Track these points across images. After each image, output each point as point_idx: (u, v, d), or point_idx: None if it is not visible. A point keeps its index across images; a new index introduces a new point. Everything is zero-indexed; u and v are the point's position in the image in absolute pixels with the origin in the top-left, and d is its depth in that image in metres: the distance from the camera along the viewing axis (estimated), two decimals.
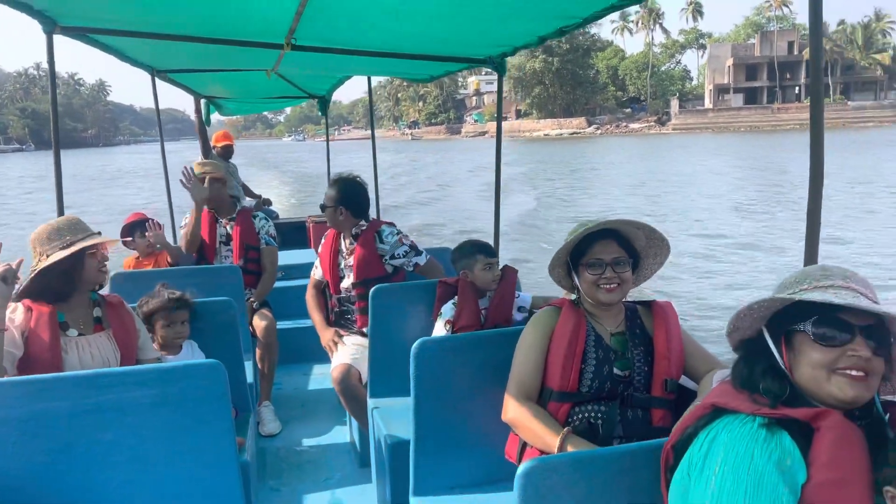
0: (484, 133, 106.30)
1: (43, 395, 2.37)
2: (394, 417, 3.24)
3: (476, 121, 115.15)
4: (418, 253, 4.23)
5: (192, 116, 8.79)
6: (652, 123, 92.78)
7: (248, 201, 8.67)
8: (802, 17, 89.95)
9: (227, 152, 8.34)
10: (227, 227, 4.98)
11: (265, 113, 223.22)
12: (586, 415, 2.43)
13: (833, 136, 58.26)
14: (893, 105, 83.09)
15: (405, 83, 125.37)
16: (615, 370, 2.46)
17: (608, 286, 2.45)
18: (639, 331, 2.54)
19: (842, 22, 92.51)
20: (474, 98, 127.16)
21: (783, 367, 1.59)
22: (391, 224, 4.37)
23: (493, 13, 3.36)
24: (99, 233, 2.85)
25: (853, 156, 37.62)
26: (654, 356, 2.48)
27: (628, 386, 2.45)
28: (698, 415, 1.62)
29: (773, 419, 1.49)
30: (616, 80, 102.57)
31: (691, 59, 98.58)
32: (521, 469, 1.83)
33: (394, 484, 3.07)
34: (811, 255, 2.25)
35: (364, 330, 4.07)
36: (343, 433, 4.46)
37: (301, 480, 3.91)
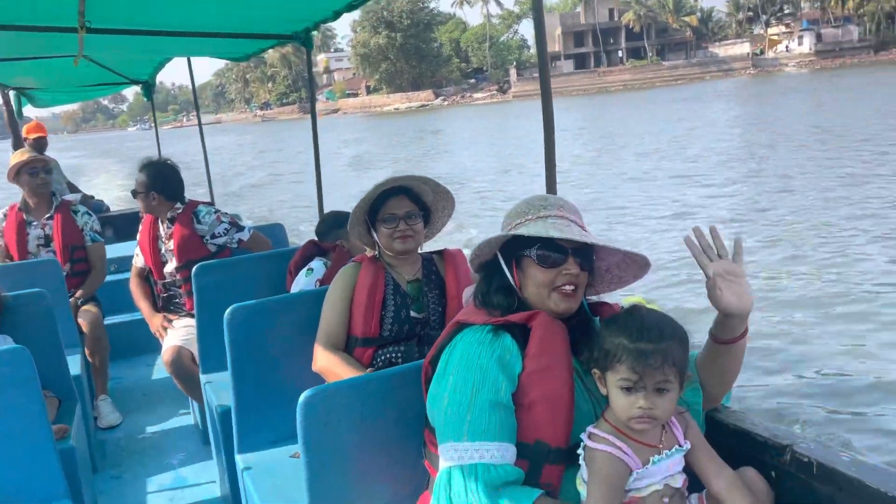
0: (336, 110, 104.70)
1: None
2: (223, 388, 3.22)
3: (328, 98, 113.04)
4: (240, 229, 4.17)
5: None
6: (494, 92, 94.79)
7: (72, 196, 8.10)
8: None
9: (39, 145, 7.37)
10: (45, 229, 4.59)
11: (105, 102, 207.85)
12: (388, 356, 2.59)
13: (654, 94, 61.94)
14: (701, 63, 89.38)
15: (254, 64, 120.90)
16: (412, 313, 2.63)
17: (402, 237, 2.60)
18: (434, 277, 2.71)
19: None
20: (325, 76, 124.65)
21: (514, 285, 1.78)
22: (208, 203, 4.29)
23: None
24: None
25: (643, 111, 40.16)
26: (446, 298, 2.67)
27: (425, 326, 2.63)
28: (447, 332, 1.80)
29: (499, 325, 1.72)
30: (459, 53, 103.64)
31: (529, 29, 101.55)
32: (302, 397, 1.92)
33: (226, 450, 3.09)
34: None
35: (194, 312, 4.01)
36: (186, 416, 4.40)
37: (143, 466, 3.85)
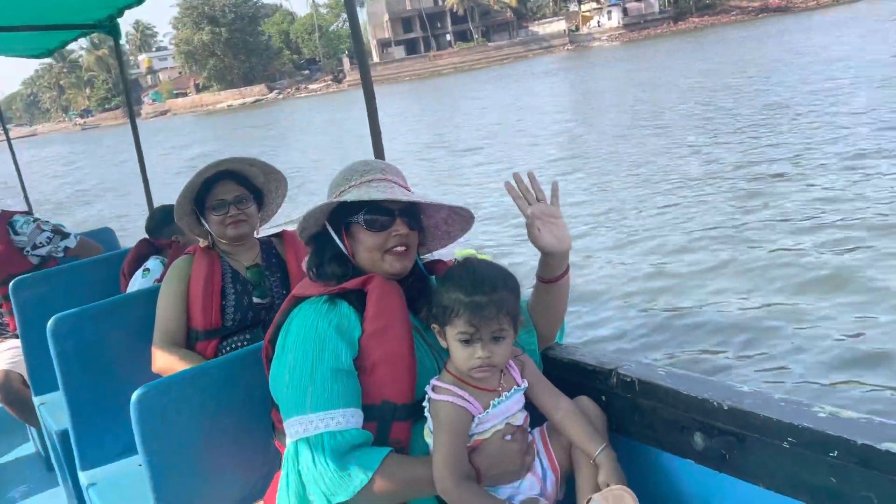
0: (165, 112, 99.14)
1: None
2: (58, 408, 2.97)
3: (154, 100, 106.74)
4: (65, 236, 3.87)
5: None
6: (329, 82, 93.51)
7: None
8: None
9: None
10: None
11: None
12: (234, 345, 2.49)
13: (482, 74, 63.72)
14: (524, 41, 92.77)
15: (67, 69, 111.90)
16: (255, 299, 2.53)
17: (234, 222, 2.50)
18: (275, 260, 2.63)
19: None
20: (149, 77, 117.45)
21: (346, 253, 1.75)
22: (25, 213, 3.94)
23: None
24: None
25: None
26: (290, 280, 2.59)
27: (269, 311, 2.54)
28: (283, 308, 1.75)
29: (334, 294, 1.70)
30: (290, 45, 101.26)
31: (360, 16, 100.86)
32: (134, 396, 1.83)
33: (70, 471, 2.88)
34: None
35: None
36: (26, 444, 4.05)
37: None
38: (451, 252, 1.92)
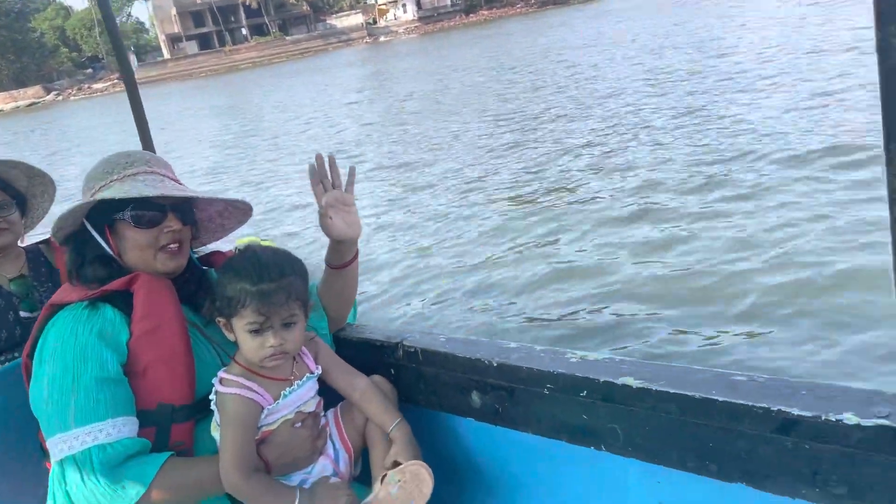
0: None
1: None
2: None
3: None
4: None
5: None
6: (116, 81, 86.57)
7: None
8: None
9: None
10: None
11: None
12: (7, 363, 2.25)
13: (281, 69, 62.31)
14: (323, 35, 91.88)
15: None
16: (22, 313, 2.32)
17: None
18: (44, 268, 2.42)
19: None
20: None
21: (112, 253, 1.64)
22: None
23: None
24: None
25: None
26: None
27: None
28: (40, 319, 1.61)
29: (97, 298, 1.58)
30: (67, 42, 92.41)
31: (142, 11, 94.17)
32: None
33: None
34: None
35: None
36: None
37: None
38: (232, 242, 1.88)
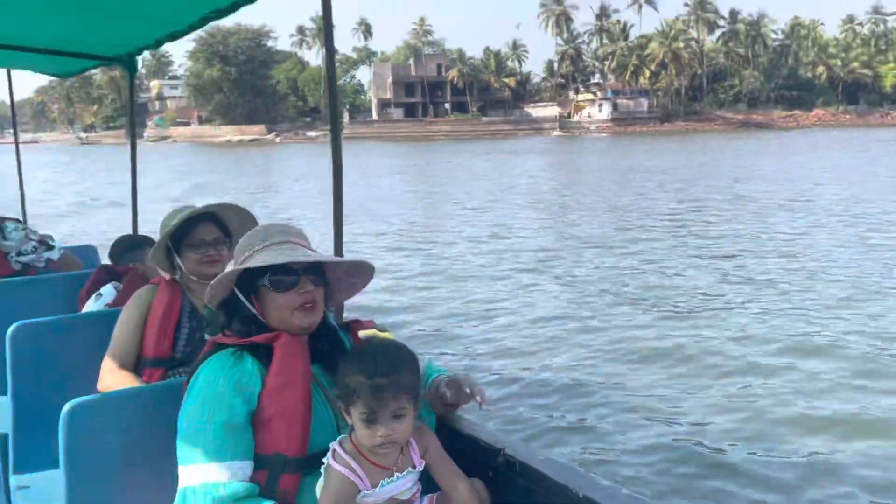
0: (166, 138, 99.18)
1: None
2: (5, 413, 2.87)
3: (158, 125, 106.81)
4: (49, 248, 3.93)
5: None
6: (327, 132, 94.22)
7: None
8: (450, 43, 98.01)
9: None
10: None
11: None
12: (178, 376, 2.51)
13: (472, 146, 64.87)
14: (516, 121, 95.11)
15: (79, 84, 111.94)
16: (206, 336, 2.61)
17: (211, 262, 2.59)
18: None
19: (487, 48, 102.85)
20: (157, 102, 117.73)
21: (258, 316, 1.83)
22: (16, 220, 4.00)
23: (113, 15, 3.28)
24: None
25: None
26: None
27: None
28: (203, 351, 1.84)
29: (243, 347, 1.77)
30: (297, 92, 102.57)
31: (365, 75, 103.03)
32: (67, 405, 1.88)
33: (3, 473, 2.82)
34: (338, 235, 2.60)
35: None
36: None
37: None
38: (367, 312, 2.05)
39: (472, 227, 17.41)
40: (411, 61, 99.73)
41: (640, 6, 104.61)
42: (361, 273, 1.97)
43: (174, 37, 3.56)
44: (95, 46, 4.10)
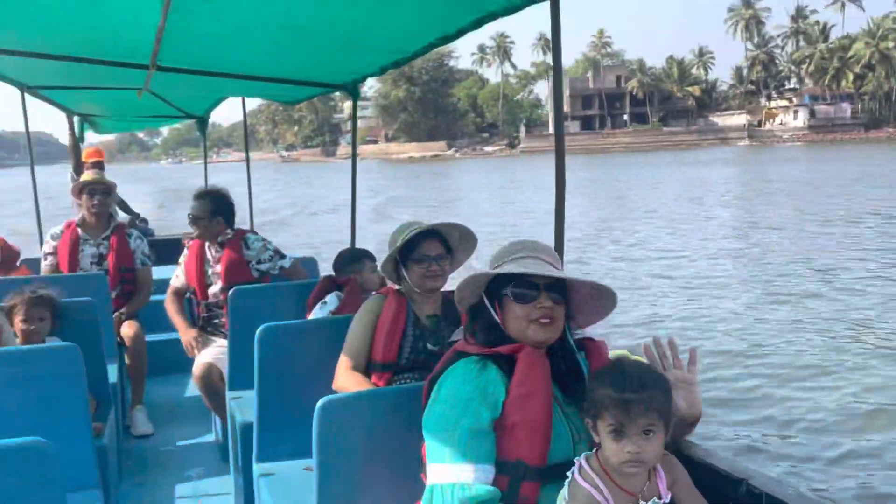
0: (356, 155, 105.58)
1: None
2: (247, 405, 3.24)
3: (348, 144, 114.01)
4: (282, 257, 4.29)
5: (62, 140, 8.14)
6: (503, 147, 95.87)
7: (122, 217, 7.98)
8: (630, 53, 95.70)
9: (97, 169, 7.28)
10: (100, 248, 4.62)
11: (141, 136, 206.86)
12: (403, 381, 2.68)
13: (644, 156, 62.57)
14: (700, 130, 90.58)
15: (281, 107, 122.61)
16: (428, 345, 2.73)
17: (433, 276, 2.71)
18: (451, 313, 2.73)
19: (670, 57, 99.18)
20: (349, 122, 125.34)
21: (498, 322, 1.89)
22: (255, 232, 4.40)
23: (342, 46, 3.50)
24: None
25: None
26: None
27: (439, 358, 2.70)
28: (446, 358, 1.91)
29: (486, 357, 1.83)
30: (476, 108, 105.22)
31: (542, 90, 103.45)
32: (320, 402, 2.02)
33: (244, 462, 3.14)
34: (558, 243, 2.56)
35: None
36: (209, 434, 4.42)
37: (165, 475, 3.88)
38: (602, 333, 2.01)
39: (698, 240, 16.69)
40: (589, 73, 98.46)
41: (843, 5, 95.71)
42: (604, 298, 1.94)
43: (398, 64, 3.73)
44: (324, 75, 4.42)
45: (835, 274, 12.27)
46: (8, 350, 2.73)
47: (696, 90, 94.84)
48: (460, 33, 2.99)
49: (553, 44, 2.45)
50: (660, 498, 1.65)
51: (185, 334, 4.12)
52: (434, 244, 2.72)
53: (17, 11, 3.03)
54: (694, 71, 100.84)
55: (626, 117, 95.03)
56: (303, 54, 3.79)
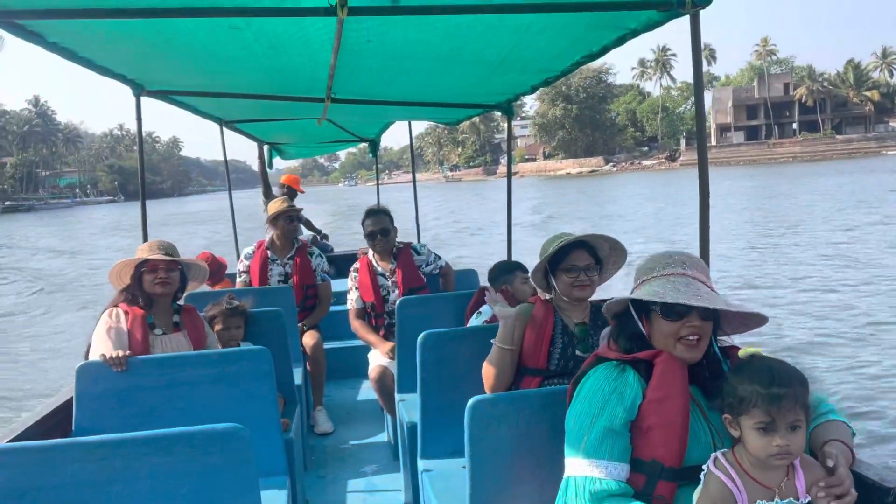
0: (515, 173, 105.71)
1: (134, 373, 2.72)
2: (413, 407, 3.35)
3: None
4: (438, 258, 4.56)
5: (254, 167, 8.95)
6: (663, 160, 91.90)
7: (306, 234, 8.45)
8: (800, 59, 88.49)
9: (293, 192, 7.81)
10: (286, 267, 4.89)
11: (321, 161, 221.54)
12: (553, 386, 2.63)
13: (815, 166, 57.11)
14: (878, 137, 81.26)
15: (447, 130, 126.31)
16: (577, 352, 2.69)
17: (581, 286, 2.68)
18: (600, 322, 2.69)
19: (850, 60, 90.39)
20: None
21: (644, 333, 1.87)
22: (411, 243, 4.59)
23: (493, 69, 3.60)
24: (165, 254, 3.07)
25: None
26: None
27: None
28: (587, 362, 1.92)
29: (625, 362, 1.84)
30: (635, 122, 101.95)
31: (707, 101, 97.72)
32: (471, 401, 2.11)
33: (411, 460, 3.26)
34: (704, 251, 2.48)
35: None
36: (381, 434, 4.60)
37: (343, 470, 4.09)
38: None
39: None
40: (755, 83, 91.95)
41: None
42: (753, 320, 1.88)
43: (548, 82, 3.77)
44: (480, 97, 4.55)
45: None
46: (211, 352, 3.00)
47: (874, 95, 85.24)
48: (604, 51, 3.00)
49: (693, 56, 2.41)
50: (797, 498, 1.58)
51: (384, 347, 4.18)
52: (583, 255, 2.69)
53: (212, 60, 3.40)
54: (876, 74, 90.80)
55: (794, 126, 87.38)
56: (458, 79, 3.93)
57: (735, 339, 1.97)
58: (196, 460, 1.93)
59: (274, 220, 4.92)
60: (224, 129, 6.26)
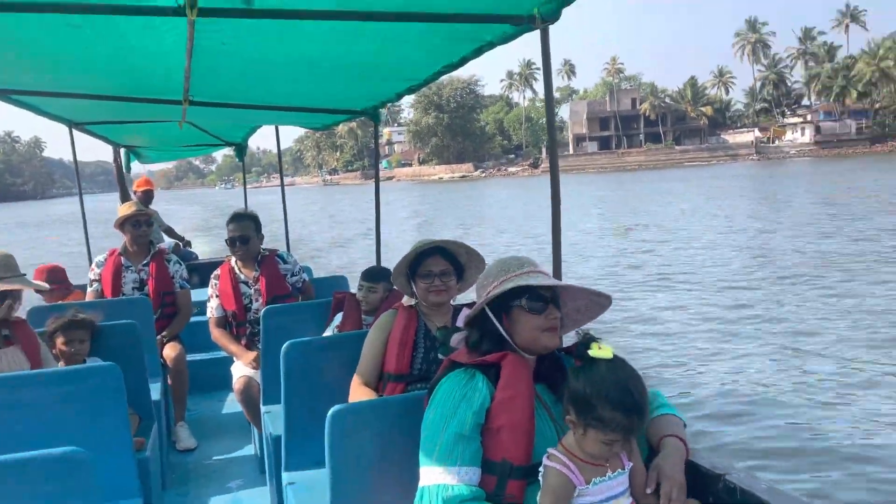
0: (391, 178, 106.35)
1: None
2: (278, 417, 3.17)
3: (385, 167, 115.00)
4: (303, 271, 4.38)
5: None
6: (526, 167, 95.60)
7: (167, 241, 7.96)
8: (646, 77, 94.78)
9: (147, 197, 7.50)
10: (141, 273, 4.53)
11: (196, 163, 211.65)
12: (417, 390, 2.60)
13: (657, 173, 61.84)
14: (710, 147, 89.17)
15: (325, 135, 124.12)
16: (440, 356, 2.63)
17: (436, 291, 2.65)
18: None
19: (692, 78, 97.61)
20: (386, 147, 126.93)
21: (504, 333, 1.85)
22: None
23: (358, 76, 3.51)
24: (23, 274, 2.76)
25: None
26: None
27: None
28: (441, 368, 1.90)
29: (475, 367, 1.83)
30: (503, 131, 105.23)
31: (566, 112, 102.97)
32: (331, 412, 2.01)
33: (277, 473, 3.10)
34: (556, 263, 2.53)
35: None
36: (248, 447, 4.36)
37: (207, 487, 3.83)
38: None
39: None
40: (606, 97, 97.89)
41: (847, 26, 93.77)
42: (595, 308, 1.95)
43: (411, 90, 3.73)
44: (347, 102, 4.42)
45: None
46: (50, 371, 2.71)
47: (708, 110, 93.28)
48: (464, 61, 3.00)
49: (544, 68, 2.44)
50: (623, 469, 1.69)
51: (247, 357, 3.94)
52: (438, 260, 2.66)
53: (54, 58, 3.06)
54: (712, 91, 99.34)
55: (641, 137, 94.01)
56: (321, 85, 3.79)
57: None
58: (32, 490, 1.73)
59: (121, 226, 4.53)
60: (74, 131, 5.65)
